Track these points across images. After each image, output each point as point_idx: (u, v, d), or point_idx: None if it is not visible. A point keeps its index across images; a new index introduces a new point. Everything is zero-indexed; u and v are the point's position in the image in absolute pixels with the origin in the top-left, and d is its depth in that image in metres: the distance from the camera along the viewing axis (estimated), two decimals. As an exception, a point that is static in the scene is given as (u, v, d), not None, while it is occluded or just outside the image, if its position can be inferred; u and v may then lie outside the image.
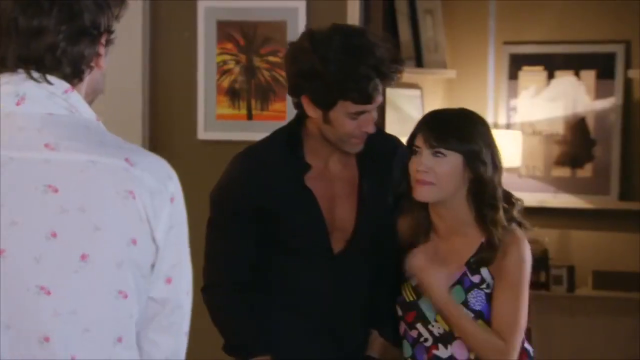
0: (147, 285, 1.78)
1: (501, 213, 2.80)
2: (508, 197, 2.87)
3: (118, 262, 1.74)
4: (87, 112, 1.82)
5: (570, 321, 5.08)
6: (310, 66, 2.75)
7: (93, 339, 1.74)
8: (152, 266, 1.78)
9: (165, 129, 4.34)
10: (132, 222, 1.75)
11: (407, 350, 2.88)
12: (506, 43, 6.36)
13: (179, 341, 1.84)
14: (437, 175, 2.76)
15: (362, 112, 2.78)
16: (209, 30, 4.29)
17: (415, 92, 6.22)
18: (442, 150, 2.77)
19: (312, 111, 2.80)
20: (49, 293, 1.72)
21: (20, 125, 1.77)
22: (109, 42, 1.86)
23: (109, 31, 1.84)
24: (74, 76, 1.81)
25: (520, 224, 2.86)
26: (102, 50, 1.84)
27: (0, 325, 1.73)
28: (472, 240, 2.82)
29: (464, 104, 6.48)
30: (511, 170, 6.34)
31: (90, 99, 1.87)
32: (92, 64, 1.84)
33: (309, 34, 2.82)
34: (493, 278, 2.80)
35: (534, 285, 6.03)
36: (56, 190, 1.73)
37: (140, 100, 4.35)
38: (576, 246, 6.25)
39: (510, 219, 2.84)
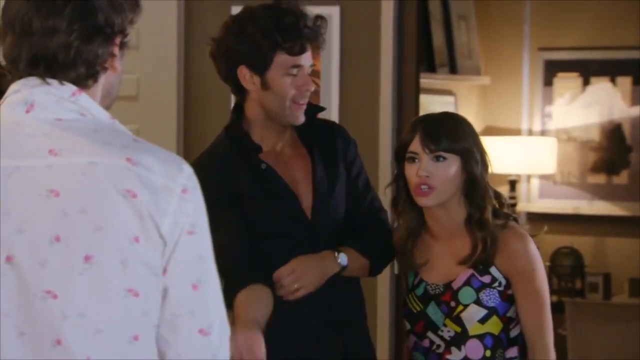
0: (161, 283, 1.77)
1: (488, 214, 2.81)
2: (498, 196, 2.89)
3: (123, 261, 1.74)
4: (99, 112, 1.82)
5: (606, 329, 5.04)
6: (238, 33, 2.87)
7: (107, 340, 1.74)
8: (161, 259, 1.77)
9: (200, 133, 4.35)
10: (134, 221, 1.74)
11: None
12: (541, 49, 6.33)
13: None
14: (439, 179, 2.79)
15: (297, 67, 2.86)
16: (243, 37, 4.29)
17: (449, 99, 6.20)
18: (443, 153, 2.80)
19: (249, 82, 2.88)
20: (55, 297, 1.73)
21: (28, 132, 1.78)
22: (123, 45, 1.85)
23: (124, 33, 1.84)
24: (88, 77, 1.81)
25: (515, 220, 2.88)
26: (116, 51, 1.83)
27: (15, 331, 1.74)
28: (470, 241, 2.82)
29: (498, 110, 6.48)
30: (546, 177, 6.31)
31: (107, 103, 1.86)
32: (107, 64, 1.83)
33: (228, 18, 2.97)
34: (505, 278, 2.81)
35: (570, 292, 6.06)
36: (58, 194, 1.74)
37: (175, 107, 4.37)
38: (612, 253, 6.20)
39: (506, 215, 2.86)
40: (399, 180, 2.87)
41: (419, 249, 2.88)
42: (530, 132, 6.37)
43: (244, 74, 2.88)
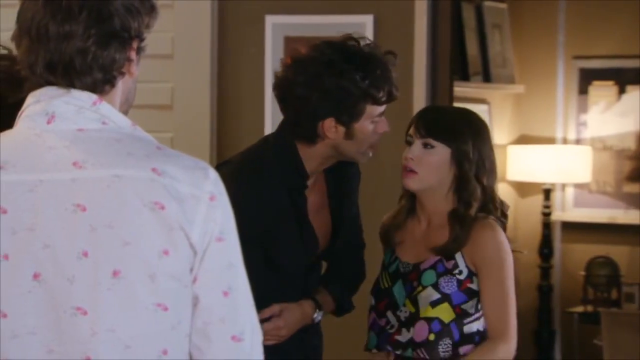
0: (191, 293, 1.75)
1: (473, 211, 2.86)
2: (495, 200, 2.91)
3: (151, 275, 1.71)
4: (120, 120, 1.79)
5: (642, 339, 5.00)
6: (332, 87, 2.74)
7: (135, 355, 1.72)
8: (191, 269, 1.75)
9: (233, 145, 4.35)
10: (162, 234, 1.72)
11: (373, 341, 2.91)
12: (576, 57, 6.30)
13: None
14: (423, 164, 2.85)
15: (382, 113, 2.84)
16: (277, 46, 4.29)
17: (483, 107, 6.18)
18: (431, 141, 2.86)
19: (333, 132, 2.78)
20: (85, 313, 1.71)
21: (50, 144, 1.75)
22: (140, 50, 1.82)
23: (140, 38, 1.81)
24: (105, 82, 1.78)
25: (503, 224, 2.91)
26: (133, 55, 1.80)
27: (44, 349, 1.72)
28: (448, 232, 2.87)
29: (533, 119, 6.45)
30: (581, 186, 6.27)
31: (125, 109, 1.84)
32: (124, 69, 1.79)
33: (299, 63, 2.80)
34: (469, 268, 2.84)
35: (606, 302, 6.01)
36: (84, 209, 1.72)
37: (209, 115, 4.38)
38: (648, 263, 6.15)
39: (490, 213, 2.89)
40: None
41: (402, 230, 2.94)
42: (564, 141, 6.33)
43: (329, 126, 2.78)
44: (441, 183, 2.86)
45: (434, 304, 2.82)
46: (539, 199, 6.24)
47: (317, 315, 2.92)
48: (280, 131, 2.90)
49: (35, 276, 1.72)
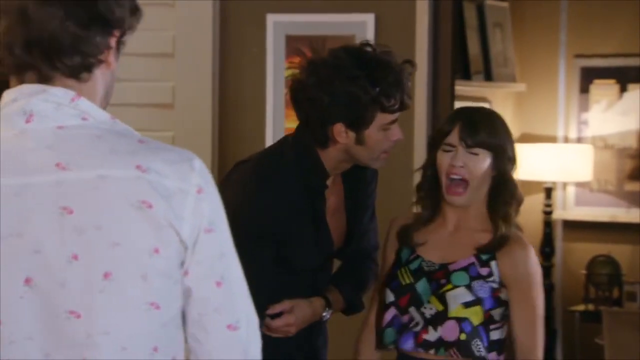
0: (181, 290, 1.75)
1: (513, 209, 2.89)
2: (520, 200, 2.94)
3: (142, 275, 1.71)
4: (99, 115, 1.77)
5: (644, 338, 5.00)
6: (333, 88, 2.75)
7: (131, 355, 1.72)
8: (182, 264, 1.74)
9: (234, 143, 4.36)
10: (151, 233, 1.71)
11: (390, 337, 2.87)
12: (577, 56, 6.30)
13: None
14: (472, 172, 2.84)
15: (394, 121, 2.84)
16: (278, 45, 4.30)
17: (485, 106, 6.18)
18: (478, 149, 2.84)
19: (343, 137, 2.80)
20: (79, 317, 1.70)
21: (30, 145, 1.73)
22: (120, 44, 1.79)
23: (122, 29, 1.78)
24: (83, 67, 1.75)
25: (517, 227, 2.93)
26: (113, 42, 1.77)
27: (40, 354, 1.71)
28: (480, 234, 2.88)
29: (534, 117, 6.44)
30: (583, 184, 6.27)
31: (105, 105, 1.81)
32: (102, 57, 1.76)
33: (313, 65, 2.81)
34: (501, 279, 2.85)
35: (607, 301, 6.00)
36: (71, 212, 1.70)
37: (210, 114, 4.38)
38: (650, 262, 6.15)
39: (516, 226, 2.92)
40: (429, 168, 2.92)
41: (421, 231, 2.92)
42: (566, 140, 6.33)
43: (339, 130, 2.80)
44: (483, 188, 2.87)
45: (467, 304, 2.82)
46: (540, 197, 6.23)
47: (326, 314, 2.92)
48: (298, 132, 2.91)
49: (27, 281, 1.71)
